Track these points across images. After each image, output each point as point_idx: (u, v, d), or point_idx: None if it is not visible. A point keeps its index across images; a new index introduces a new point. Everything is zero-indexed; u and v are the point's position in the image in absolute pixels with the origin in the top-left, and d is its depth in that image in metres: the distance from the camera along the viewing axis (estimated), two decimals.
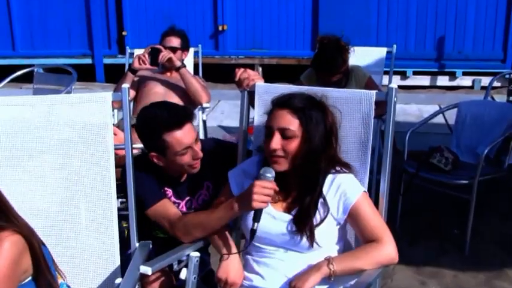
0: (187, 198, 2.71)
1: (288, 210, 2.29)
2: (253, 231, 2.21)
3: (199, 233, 2.43)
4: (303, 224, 2.21)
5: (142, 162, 2.58)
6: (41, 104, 2.52)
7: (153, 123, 2.51)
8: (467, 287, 3.70)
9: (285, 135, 2.21)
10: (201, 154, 2.56)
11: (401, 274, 3.81)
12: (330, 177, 2.27)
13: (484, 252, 4.09)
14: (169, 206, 2.58)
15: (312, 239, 2.21)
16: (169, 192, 2.68)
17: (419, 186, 4.42)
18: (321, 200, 2.24)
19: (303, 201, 2.24)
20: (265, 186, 2.15)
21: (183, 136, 2.49)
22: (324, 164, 2.23)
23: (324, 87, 2.42)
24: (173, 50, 4.50)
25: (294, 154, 2.21)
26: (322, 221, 2.22)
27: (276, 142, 2.21)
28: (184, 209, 2.70)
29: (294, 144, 2.20)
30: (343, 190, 2.25)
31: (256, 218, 2.19)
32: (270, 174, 2.17)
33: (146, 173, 2.58)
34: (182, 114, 2.55)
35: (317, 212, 2.23)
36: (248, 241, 2.28)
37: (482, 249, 4.13)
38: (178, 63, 4.40)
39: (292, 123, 2.20)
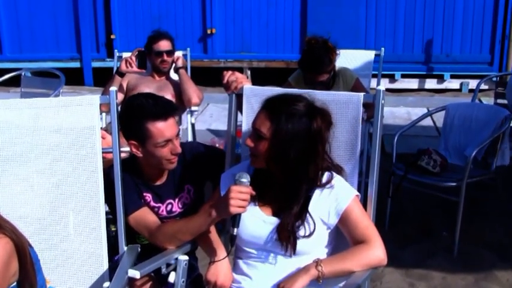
0: (168, 201, 2.70)
1: (277, 214, 2.29)
2: (232, 237, 2.22)
3: (178, 241, 2.42)
4: (285, 236, 2.22)
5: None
6: (28, 108, 2.51)
7: (138, 110, 2.51)
8: None
9: (258, 135, 2.22)
10: (179, 150, 2.56)
11: (390, 276, 3.81)
12: (322, 181, 2.27)
13: (473, 254, 4.10)
14: (148, 215, 2.57)
15: (293, 249, 2.22)
16: (149, 197, 2.67)
17: (407, 189, 4.43)
18: (309, 210, 2.24)
19: (286, 211, 2.23)
20: (241, 191, 2.15)
21: (165, 128, 2.50)
22: (306, 170, 2.22)
23: (311, 90, 2.42)
24: (170, 53, 4.51)
25: (264, 155, 2.22)
26: (310, 234, 2.23)
27: (249, 140, 2.25)
28: (164, 213, 2.69)
29: (262, 145, 2.21)
30: (335, 195, 2.26)
31: (235, 223, 2.20)
32: (246, 179, 2.18)
33: (125, 179, 2.55)
34: (168, 107, 2.57)
35: (305, 223, 2.23)
36: (230, 247, 2.29)
37: (471, 251, 4.14)
38: (180, 64, 4.55)
39: (263, 124, 2.20)
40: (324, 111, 2.25)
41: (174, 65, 4.59)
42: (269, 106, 2.24)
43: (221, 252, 2.38)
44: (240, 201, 2.14)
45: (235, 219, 2.19)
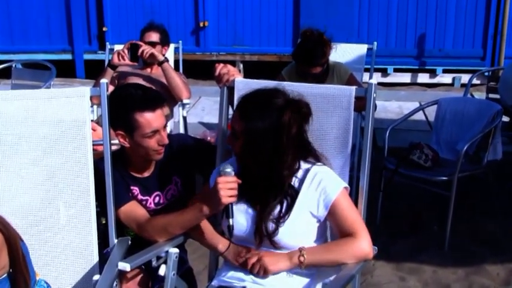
0: (155, 193, 2.70)
1: (262, 208, 2.28)
2: (230, 228, 2.23)
3: (168, 235, 2.42)
4: (259, 233, 2.23)
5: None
6: (18, 100, 2.49)
7: (126, 100, 2.53)
8: (446, 283, 3.72)
9: (233, 134, 2.25)
10: (166, 141, 2.57)
11: (381, 270, 3.82)
12: (311, 173, 2.26)
13: (464, 248, 4.12)
14: (137, 208, 2.57)
15: (271, 243, 2.22)
16: (136, 190, 2.67)
17: (399, 183, 4.44)
18: (298, 203, 2.24)
19: (268, 205, 2.24)
20: (228, 181, 2.18)
21: (153, 119, 2.52)
22: (282, 165, 2.21)
23: (303, 83, 2.41)
24: (152, 45, 4.46)
25: (239, 152, 2.25)
26: (294, 227, 2.22)
27: (229, 139, 2.30)
28: (152, 205, 2.69)
29: (238, 144, 2.24)
30: (323, 187, 2.24)
31: (229, 214, 2.22)
32: (229, 169, 2.21)
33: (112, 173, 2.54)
34: (156, 98, 2.59)
35: (290, 216, 2.22)
36: (230, 237, 2.29)
37: (461, 245, 4.16)
38: (161, 58, 4.37)
39: (237, 123, 2.22)
40: (298, 102, 2.22)
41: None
42: (241, 105, 2.26)
43: (224, 243, 2.38)
44: (229, 191, 2.17)
45: (228, 209, 2.21)
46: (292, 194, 2.25)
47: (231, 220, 2.22)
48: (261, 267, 2.20)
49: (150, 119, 2.51)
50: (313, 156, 2.32)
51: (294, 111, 2.19)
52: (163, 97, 2.67)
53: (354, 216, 2.25)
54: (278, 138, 2.17)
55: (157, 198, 2.70)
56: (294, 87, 2.32)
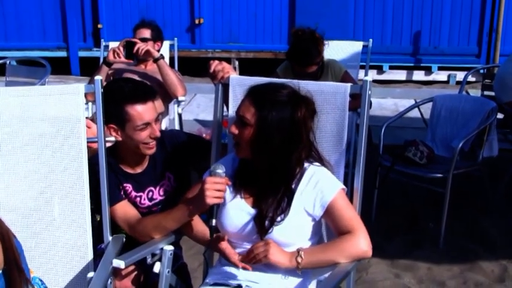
0: (149, 188, 2.71)
1: (260, 206, 2.27)
2: (211, 228, 2.23)
3: (158, 234, 2.43)
4: (262, 226, 2.22)
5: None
6: (12, 96, 2.47)
7: (118, 93, 2.55)
8: (441, 280, 3.73)
9: (242, 122, 2.21)
10: (158, 134, 2.58)
11: (376, 267, 3.82)
12: (308, 172, 2.26)
13: (458, 246, 4.12)
14: (128, 209, 2.58)
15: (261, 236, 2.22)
16: (129, 187, 2.67)
17: (394, 180, 4.44)
18: (294, 201, 2.23)
19: (267, 201, 2.23)
20: (216, 182, 2.18)
21: (144, 111, 2.53)
22: (289, 159, 2.20)
23: (298, 80, 2.41)
24: (144, 41, 4.45)
25: (247, 142, 2.21)
26: (289, 224, 2.21)
27: (233, 127, 2.25)
28: (146, 201, 2.70)
29: (247, 132, 2.20)
30: (320, 187, 2.24)
31: (212, 214, 2.21)
32: (221, 170, 2.21)
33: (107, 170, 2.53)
34: (147, 91, 2.61)
35: (287, 214, 2.22)
36: (210, 238, 2.27)
37: (456, 242, 4.16)
38: (156, 55, 4.37)
39: (248, 111, 2.20)
40: (307, 99, 2.24)
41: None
42: (254, 93, 2.23)
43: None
44: (215, 192, 2.17)
45: (212, 210, 2.21)
46: (288, 194, 2.24)
47: (213, 221, 2.21)
48: (265, 251, 2.17)
49: (141, 111, 2.52)
50: (316, 158, 2.31)
51: (307, 107, 2.21)
52: (154, 90, 2.69)
53: (350, 214, 2.24)
54: (294, 131, 2.17)
55: (150, 194, 2.71)
56: (289, 84, 2.32)
